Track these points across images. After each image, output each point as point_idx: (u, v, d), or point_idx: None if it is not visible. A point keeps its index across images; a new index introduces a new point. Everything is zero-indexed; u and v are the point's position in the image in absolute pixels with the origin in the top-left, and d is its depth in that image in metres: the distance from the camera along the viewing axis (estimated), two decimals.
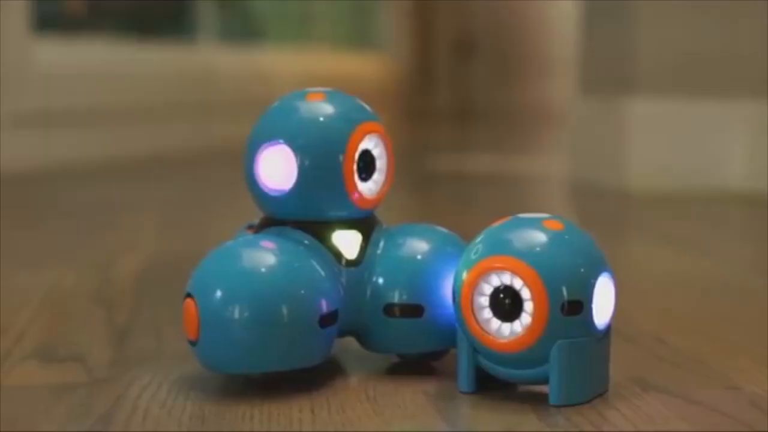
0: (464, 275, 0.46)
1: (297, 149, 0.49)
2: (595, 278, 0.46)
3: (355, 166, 0.49)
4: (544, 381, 0.46)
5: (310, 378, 0.50)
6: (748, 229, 1.15)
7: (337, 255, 0.50)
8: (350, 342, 0.53)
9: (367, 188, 0.50)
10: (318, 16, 3.17)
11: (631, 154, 1.34)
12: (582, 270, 0.46)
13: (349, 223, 0.51)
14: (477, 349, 0.47)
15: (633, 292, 0.76)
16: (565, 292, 0.45)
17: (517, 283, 0.45)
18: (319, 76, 2.65)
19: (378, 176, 0.51)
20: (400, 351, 0.52)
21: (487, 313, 0.46)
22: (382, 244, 0.51)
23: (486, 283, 0.46)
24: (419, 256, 0.51)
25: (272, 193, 0.50)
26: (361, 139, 0.49)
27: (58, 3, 2.10)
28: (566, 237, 0.47)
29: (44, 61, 1.73)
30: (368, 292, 0.50)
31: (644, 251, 0.99)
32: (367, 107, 0.51)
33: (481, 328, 0.46)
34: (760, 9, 1.32)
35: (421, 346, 0.51)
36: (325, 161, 0.49)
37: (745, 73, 1.33)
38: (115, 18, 2.27)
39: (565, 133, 1.82)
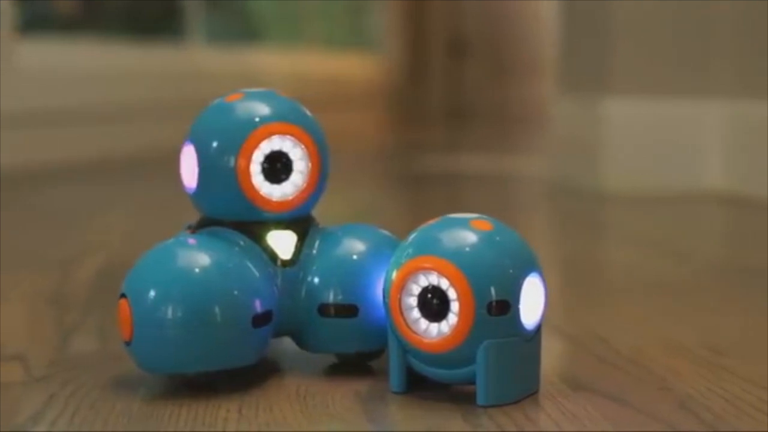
0: (393, 275, 0.46)
1: (198, 149, 0.50)
2: (523, 278, 0.46)
3: (256, 167, 0.49)
4: (473, 381, 0.46)
5: (245, 378, 0.50)
6: (721, 229, 1.16)
7: (273, 255, 0.50)
8: (289, 342, 0.53)
9: (280, 191, 0.50)
10: (311, 16, 3.17)
11: (609, 154, 1.34)
12: (510, 270, 0.46)
13: (284, 224, 0.51)
14: (406, 349, 0.47)
15: (587, 292, 0.77)
16: (491, 292, 0.45)
17: (444, 284, 0.45)
18: (311, 77, 2.65)
19: (297, 178, 0.51)
20: (335, 350, 0.52)
21: (416, 314, 0.46)
22: (317, 244, 0.51)
23: (414, 284, 0.46)
24: (354, 257, 0.51)
25: (188, 192, 0.51)
26: (261, 140, 0.49)
27: (49, 4, 2.10)
28: (495, 238, 0.47)
29: (32, 62, 1.73)
30: (303, 292, 0.51)
31: (611, 251, 0.99)
32: (296, 108, 0.51)
33: (410, 329, 0.46)
34: (734, 9, 1.32)
35: (356, 346, 0.51)
36: (220, 161, 0.50)
37: (721, 73, 1.33)
38: (107, 19, 2.27)
39: (548, 133, 1.82)
